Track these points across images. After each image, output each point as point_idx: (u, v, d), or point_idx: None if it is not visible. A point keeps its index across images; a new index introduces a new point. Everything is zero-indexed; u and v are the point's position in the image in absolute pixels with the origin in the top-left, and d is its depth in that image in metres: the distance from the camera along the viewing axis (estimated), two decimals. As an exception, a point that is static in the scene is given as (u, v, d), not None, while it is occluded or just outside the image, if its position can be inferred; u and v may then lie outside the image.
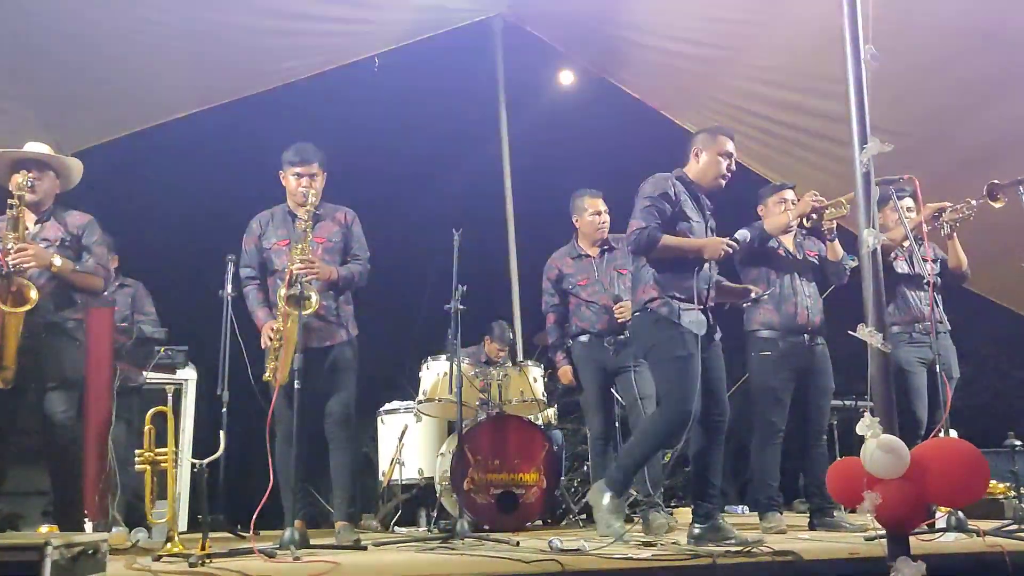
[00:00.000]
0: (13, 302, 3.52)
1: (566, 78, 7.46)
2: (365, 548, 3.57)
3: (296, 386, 3.57)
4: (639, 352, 3.94)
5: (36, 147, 3.98)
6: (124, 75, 5.65)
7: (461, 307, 4.15)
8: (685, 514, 5.63)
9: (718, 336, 3.72)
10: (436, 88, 6.93)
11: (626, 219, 4.82)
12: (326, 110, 6.44)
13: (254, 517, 3.36)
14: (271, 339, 3.93)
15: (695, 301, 3.58)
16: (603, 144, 7.42)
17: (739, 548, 2.99)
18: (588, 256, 4.79)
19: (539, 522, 5.12)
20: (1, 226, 3.72)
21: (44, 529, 3.55)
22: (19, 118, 5.48)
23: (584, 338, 4.67)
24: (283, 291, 3.83)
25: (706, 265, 3.69)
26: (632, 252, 3.74)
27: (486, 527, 4.50)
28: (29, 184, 3.80)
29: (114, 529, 4.24)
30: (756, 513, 4.51)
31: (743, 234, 4.19)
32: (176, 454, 3.31)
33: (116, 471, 4.40)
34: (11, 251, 3.58)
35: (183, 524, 5.53)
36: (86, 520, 4.07)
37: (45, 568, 2.34)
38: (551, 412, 5.62)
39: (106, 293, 4.89)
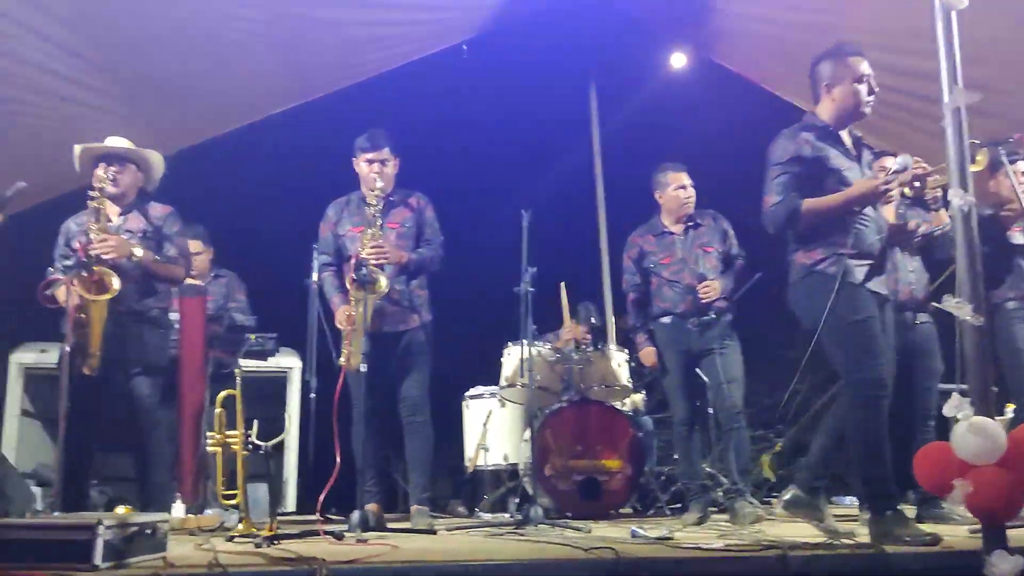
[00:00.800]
0: (96, 290, 3.65)
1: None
2: (435, 533, 3.55)
3: (363, 369, 3.56)
4: (807, 323, 3.21)
5: (117, 141, 4.13)
6: (217, 77, 5.80)
7: (531, 289, 4.05)
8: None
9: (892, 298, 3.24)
10: (525, 71, 6.83)
11: (718, 197, 4.58)
12: (413, 99, 6.45)
13: (321, 499, 3.37)
14: (345, 324, 3.94)
15: (867, 257, 3.12)
16: (699, 120, 7.14)
17: (824, 539, 2.78)
18: (671, 233, 4.59)
19: (629, 510, 4.98)
20: (86, 218, 3.88)
21: (121, 510, 3.67)
22: (121, 119, 5.73)
23: (667, 319, 4.47)
24: (351, 275, 3.83)
25: (871, 212, 3.19)
26: (773, 232, 3.25)
27: (568, 514, 4.40)
28: (111, 178, 3.95)
29: (207, 511, 4.37)
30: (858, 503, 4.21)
31: (903, 161, 3.38)
32: (247, 437, 3.34)
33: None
34: (93, 241, 3.72)
35: (291, 506, 5.70)
36: (177, 501, 4.23)
37: (97, 547, 2.39)
38: (639, 397, 5.44)
39: (201, 282, 5.09)
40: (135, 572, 2.39)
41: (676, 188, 4.57)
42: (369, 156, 4.17)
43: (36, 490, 4.78)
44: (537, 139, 7.05)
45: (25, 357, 5.43)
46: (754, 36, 6.20)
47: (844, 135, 3.32)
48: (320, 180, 4.86)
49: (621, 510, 4.79)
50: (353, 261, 3.86)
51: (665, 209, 4.64)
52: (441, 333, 4.33)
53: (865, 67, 3.24)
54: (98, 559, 2.38)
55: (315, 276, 4.60)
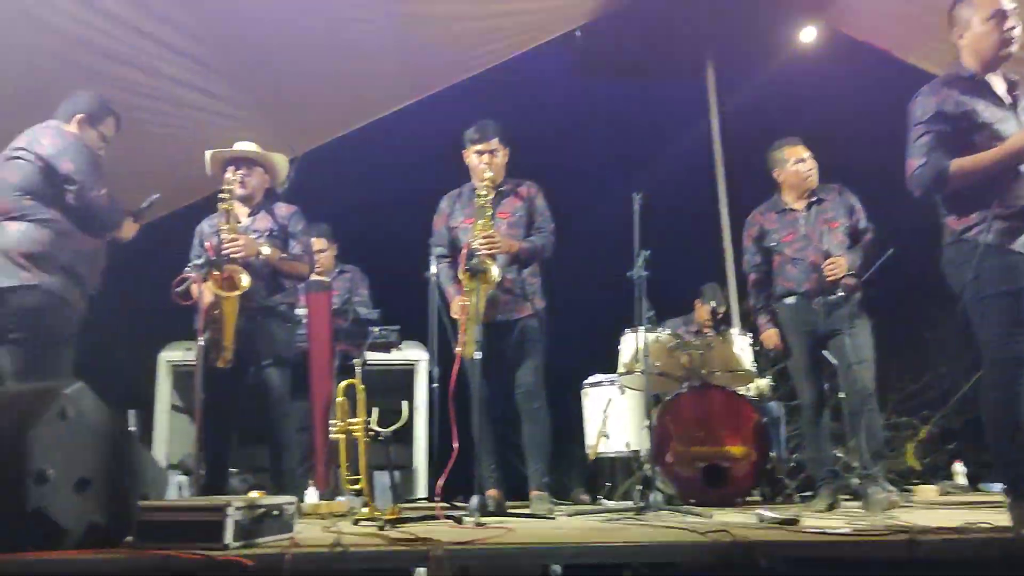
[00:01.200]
0: (227, 287, 3.86)
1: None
2: (553, 518, 3.56)
3: (477, 357, 3.62)
4: (961, 289, 2.91)
5: (244, 146, 4.34)
6: (336, 80, 5.99)
7: (645, 273, 3.99)
8: (926, 491, 5.12)
9: None
10: (637, 54, 6.73)
11: (852, 174, 4.34)
12: (524, 89, 6.48)
13: (440, 484, 3.45)
14: (459, 313, 4.01)
15: None
16: (827, 95, 6.84)
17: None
18: (793, 210, 4.42)
19: (758, 498, 4.85)
20: (217, 219, 4.10)
21: (254, 495, 3.86)
22: (248, 125, 6.01)
23: (791, 300, 4.31)
24: (463, 266, 3.89)
25: None
26: (920, 196, 2.97)
27: (692, 501, 4.32)
28: (239, 180, 4.16)
29: (339, 498, 4.54)
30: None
31: None
32: (367, 424, 3.45)
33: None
34: (224, 241, 3.93)
35: (422, 493, 5.85)
36: (310, 488, 4.41)
37: (227, 527, 2.53)
38: (764, 383, 5.27)
39: (326, 278, 5.29)
40: (263, 551, 2.51)
41: (795, 162, 4.40)
42: (478, 147, 4.22)
43: (183, 479, 5.10)
44: (651, 123, 6.94)
45: (172, 355, 5.76)
46: (883, 1, 5.90)
47: (996, 82, 3.01)
48: (437, 174, 4.96)
49: (748, 498, 4.66)
50: (464, 251, 3.92)
51: (786, 186, 4.47)
52: (556, 321, 4.34)
53: (1005, 1, 2.95)
54: (228, 538, 2.52)
55: (433, 269, 4.70)
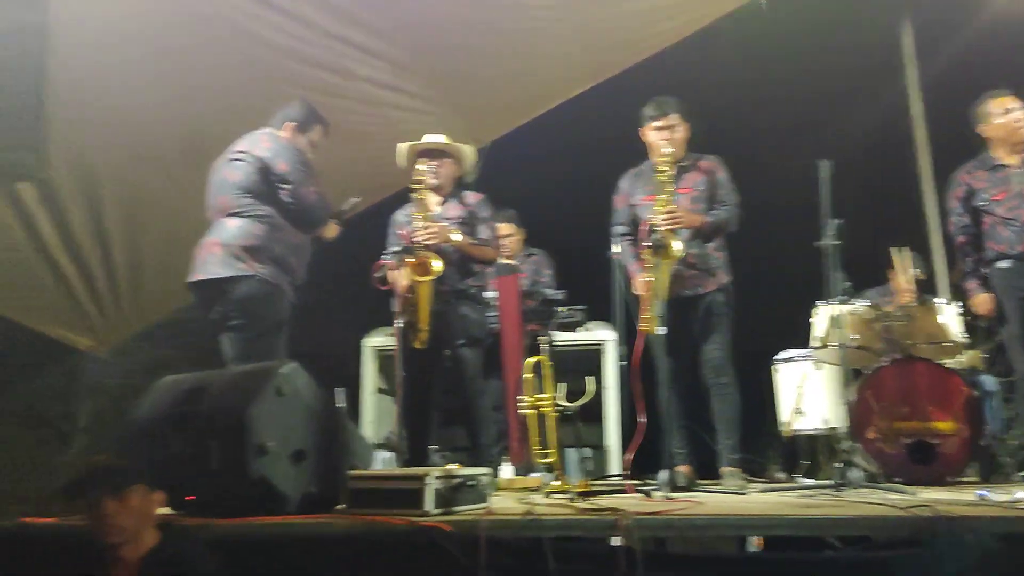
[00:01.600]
0: (420, 272, 4.09)
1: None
2: (744, 494, 3.52)
3: (660, 333, 3.62)
4: None
5: (434, 138, 4.56)
6: (518, 69, 6.11)
7: (836, 242, 3.82)
8: None
9: None
10: (825, 20, 6.40)
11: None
12: (705, 64, 6.31)
13: (628, 459, 3.50)
14: (642, 290, 4.02)
15: None
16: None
17: None
18: (1005, 166, 4.08)
19: (973, 477, 4.52)
20: (410, 208, 4.33)
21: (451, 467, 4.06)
22: (438, 118, 6.26)
23: (1004, 263, 4.00)
24: (644, 242, 3.89)
25: None
26: None
27: (897, 479, 4.10)
28: (431, 171, 4.38)
29: (533, 473, 4.69)
30: None
31: None
32: (555, 400, 3.55)
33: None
34: (417, 229, 4.16)
35: (614, 470, 5.91)
36: (506, 464, 4.59)
37: (426, 495, 2.71)
38: (976, 354, 4.89)
39: (514, 261, 5.47)
40: (460, 518, 2.67)
41: (1003, 114, 4.06)
42: (657, 124, 4.20)
43: (388, 455, 5.44)
44: (838, 88, 6.59)
45: (376, 340, 6.12)
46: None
47: None
48: (616, 156, 4.97)
49: (960, 477, 4.36)
50: (645, 228, 3.92)
51: (995, 140, 4.14)
52: (743, 295, 4.26)
53: None
54: (428, 505, 2.70)
55: (615, 248, 4.73)
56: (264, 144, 4.02)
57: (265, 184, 3.96)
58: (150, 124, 4.92)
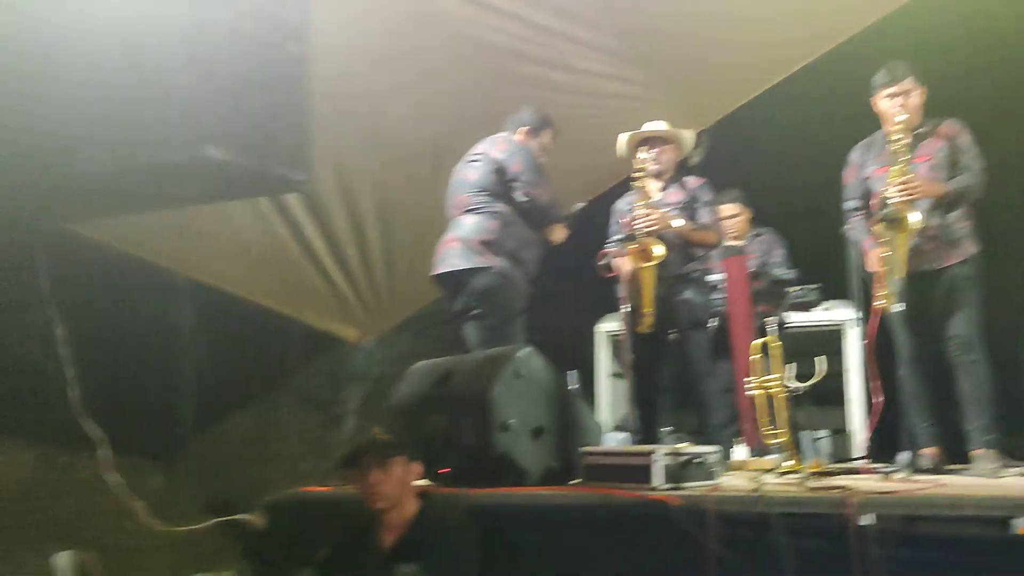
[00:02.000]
0: (642, 258, 4.21)
1: None
2: (998, 479, 3.33)
3: (898, 308, 3.50)
4: None
5: (654, 125, 4.65)
6: (737, 45, 5.99)
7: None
8: None
9: None
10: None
11: None
12: (937, 25, 5.86)
13: (866, 439, 3.43)
14: (877, 265, 3.88)
15: None
16: None
17: None
18: None
19: None
20: (632, 196, 4.46)
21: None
22: (659, 104, 6.29)
23: None
24: (876, 216, 3.76)
25: None
26: None
27: None
28: (652, 158, 4.48)
29: (769, 456, 4.66)
30: None
31: None
32: (782, 380, 3.55)
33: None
34: (638, 216, 4.28)
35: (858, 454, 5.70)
36: (740, 445, 4.60)
37: (655, 471, 2.85)
38: None
39: (741, 243, 5.43)
40: (689, 494, 2.78)
41: None
42: (890, 90, 3.99)
43: (623, 435, 5.60)
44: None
45: (608, 326, 6.31)
46: None
47: None
48: (845, 129, 4.78)
49: None
50: (876, 201, 3.78)
51: None
52: (995, 267, 3.98)
53: None
54: (657, 480, 2.84)
55: (848, 224, 4.56)
56: (500, 146, 4.35)
57: (500, 183, 4.28)
58: (396, 132, 5.39)
